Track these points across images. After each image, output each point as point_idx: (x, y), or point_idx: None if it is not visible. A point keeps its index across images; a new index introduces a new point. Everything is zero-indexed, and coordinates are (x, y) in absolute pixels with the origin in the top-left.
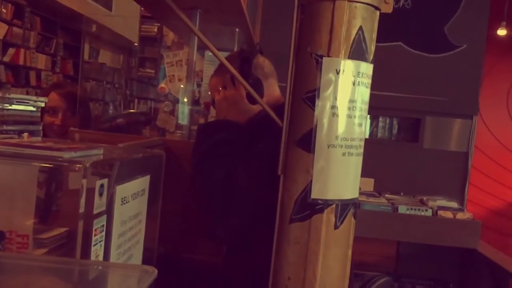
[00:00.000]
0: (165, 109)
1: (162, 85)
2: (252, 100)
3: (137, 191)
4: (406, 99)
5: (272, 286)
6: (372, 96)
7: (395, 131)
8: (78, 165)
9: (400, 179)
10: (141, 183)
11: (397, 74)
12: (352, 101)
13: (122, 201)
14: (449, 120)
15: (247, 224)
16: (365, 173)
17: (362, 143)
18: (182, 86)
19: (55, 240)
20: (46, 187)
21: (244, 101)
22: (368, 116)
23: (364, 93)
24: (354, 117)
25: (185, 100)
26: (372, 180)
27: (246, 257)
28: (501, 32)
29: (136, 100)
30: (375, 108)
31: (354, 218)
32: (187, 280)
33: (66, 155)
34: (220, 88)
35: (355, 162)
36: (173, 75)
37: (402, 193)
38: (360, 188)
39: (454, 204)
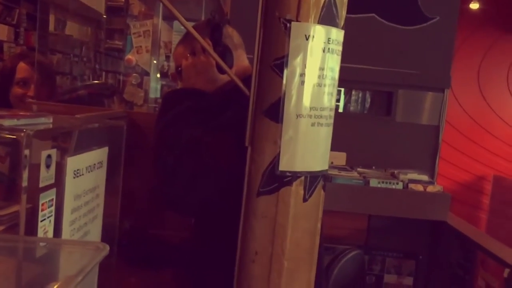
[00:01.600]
0: (133, 81)
1: (129, 56)
2: (222, 69)
3: (93, 164)
4: (379, 72)
5: (239, 260)
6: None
7: (367, 104)
8: (20, 134)
9: (373, 153)
10: (97, 155)
11: (370, 47)
12: (322, 69)
13: (75, 174)
14: (421, 93)
15: (214, 196)
16: (337, 147)
17: (332, 114)
18: (154, 61)
19: (14, 217)
20: (10, 161)
21: (214, 70)
22: (343, 89)
23: (334, 61)
24: (324, 86)
25: (157, 74)
26: (344, 154)
27: (214, 231)
28: (474, 5)
29: (104, 73)
30: (348, 81)
31: (324, 191)
32: (155, 255)
33: (7, 122)
34: (189, 55)
35: (325, 133)
36: (141, 46)
37: (374, 167)
38: (332, 162)
39: (425, 177)
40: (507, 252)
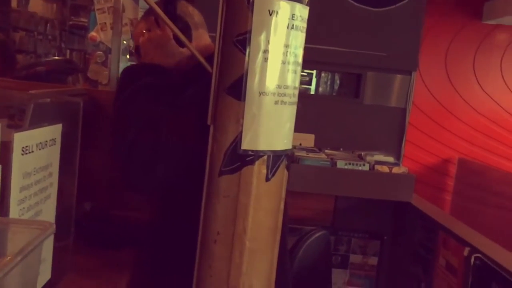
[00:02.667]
0: (97, 59)
1: (93, 33)
2: (180, 42)
3: (45, 141)
4: (348, 54)
5: (201, 241)
6: (314, 50)
7: (336, 86)
8: None
9: (341, 135)
10: (49, 132)
11: (339, 28)
12: (286, 46)
13: (23, 151)
14: (388, 76)
15: (174, 176)
16: (306, 129)
17: (296, 92)
18: (124, 41)
19: None
20: None
21: (171, 43)
22: (315, 72)
23: (299, 38)
24: (288, 63)
25: (127, 54)
26: (312, 136)
27: (176, 212)
28: None
29: (68, 51)
30: (317, 63)
31: (287, 170)
32: (115, 236)
33: None
34: (144, 31)
35: (289, 112)
36: (105, 23)
37: (342, 149)
38: (300, 144)
39: (391, 159)
40: (467, 231)
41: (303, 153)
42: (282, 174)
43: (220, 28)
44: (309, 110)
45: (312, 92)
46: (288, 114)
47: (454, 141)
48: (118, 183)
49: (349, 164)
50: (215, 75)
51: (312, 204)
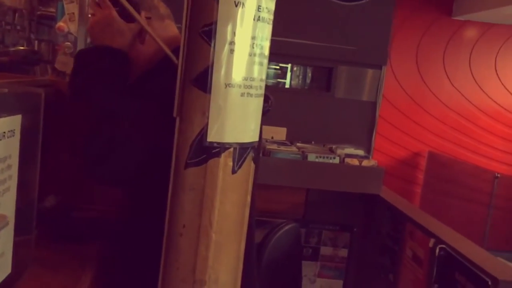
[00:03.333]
0: (65, 50)
1: (61, 23)
2: (127, 18)
3: (2, 132)
4: (320, 48)
5: (167, 234)
6: (286, 43)
7: (308, 80)
8: None
9: (312, 128)
10: (7, 123)
11: (311, 22)
12: (253, 37)
13: None
14: (359, 69)
15: (135, 168)
16: (278, 122)
17: (263, 84)
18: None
19: None
20: None
21: (117, 20)
22: (289, 65)
23: (266, 30)
24: (255, 55)
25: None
26: (284, 129)
27: (141, 205)
28: None
29: (36, 42)
30: (289, 56)
31: (254, 163)
32: (80, 230)
33: None
34: (90, 15)
35: (255, 104)
36: (73, 13)
37: (313, 142)
38: (272, 137)
39: (361, 152)
40: (433, 223)
41: (275, 146)
42: (248, 166)
43: (186, 19)
44: (281, 104)
45: (287, 86)
46: (254, 107)
47: (424, 134)
48: (82, 175)
49: (320, 157)
50: (181, 67)
51: (283, 197)
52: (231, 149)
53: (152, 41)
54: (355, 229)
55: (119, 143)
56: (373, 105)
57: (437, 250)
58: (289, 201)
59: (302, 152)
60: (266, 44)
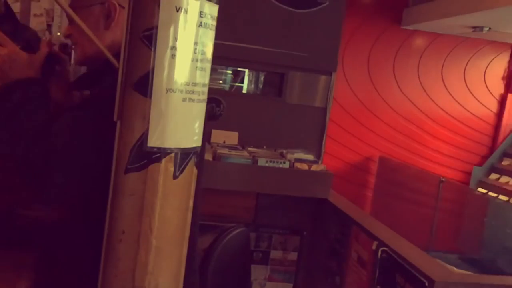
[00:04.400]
0: None
1: None
2: (30, 49)
3: None
4: (271, 53)
5: (106, 241)
6: (238, 48)
7: (261, 85)
8: None
9: (264, 133)
10: None
11: (263, 27)
12: (195, 43)
13: None
14: (310, 75)
15: (81, 182)
16: (230, 126)
17: (206, 90)
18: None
19: None
20: None
21: (22, 54)
22: (247, 71)
23: (208, 36)
24: (197, 61)
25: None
26: (236, 134)
27: (83, 211)
28: None
29: None
30: (241, 61)
31: (197, 168)
32: (17, 236)
33: None
34: None
35: (198, 109)
36: (17, 13)
37: (265, 147)
38: (224, 141)
39: (311, 157)
40: (377, 226)
41: (226, 151)
42: (190, 171)
43: (127, 23)
44: (233, 108)
45: (244, 91)
46: (197, 112)
47: (376, 139)
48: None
49: (270, 162)
50: (122, 71)
51: (234, 202)
52: (172, 154)
53: (116, 28)
54: (304, 233)
55: (55, 167)
56: (324, 110)
57: (380, 253)
58: (239, 206)
59: (253, 156)
60: (209, 50)
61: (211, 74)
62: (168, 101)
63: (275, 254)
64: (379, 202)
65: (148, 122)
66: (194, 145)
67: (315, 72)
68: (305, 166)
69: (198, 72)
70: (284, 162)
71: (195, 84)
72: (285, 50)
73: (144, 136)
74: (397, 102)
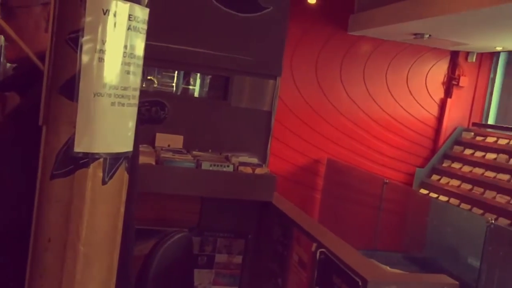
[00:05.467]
0: None
1: None
2: None
3: None
4: (217, 57)
5: (32, 250)
6: (183, 51)
7: (206, 88)
8: None
9: (210, 137)
10: None
11: (208, 31)
12: (125, 46)
13: None
14: (255, 79)
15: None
16: (174, 130)
17: (136, 94)
18: None
19: None
20: None
21: None
22: (198, 74)
23: (138, 39)
24: (126, 64)
25: None
26: (181, 137)
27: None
28: (311, 0)
29: None
30: (187, 65)
31: (128, 173)
32: None
33: None
34: None
35: (129, 113)
36: None
37: (210, 150)
38: (169, 145)
39: (255, 160)
40: (316, 228)
41: (169, 155)
42: (121, 177)
43: (53, 24)
44: (178, 111)
45: (196, 95)
46: (127, 116)
47: (324, 142)
48: None
49: (214, 165)
50: (47, 74)
51: (178, 206)
52: (101, 160)
53: None
54: (249, 236)
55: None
56: (269, 114)
57: (318, 254)
58: (184, 210)
59: (197, 160)
60: (140, 53)
61: (159, 77)
62: (96, 105)
63: (220, 257)
64: (327, 203)
65: (75, 127)
66: (124, 150)
67: (260, 76)
68: (249, 170)
69: (128, 76)
70: (228, 166)
71: (125, 88)
72: (231, 54)
73: (71, 141)
74: (344, 105)
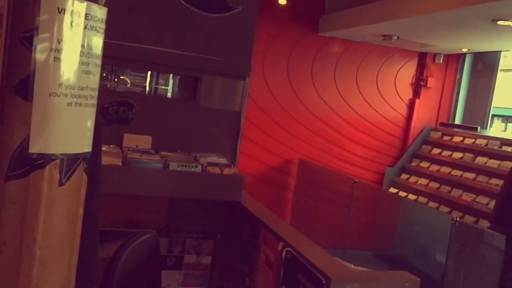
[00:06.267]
0: None
1: None
2: None
3: None
4: (185, 57)
5: None
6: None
7: (175, 88)
8: None
9: (179, 137)
10: None
11: (177, 31)
12: (82, 46)
13: None
14: (224, 80)
15: None
16: (143, 130)
17: (94, 93)
18: None
19: None
20: None
21: None
22: (171, 74)
23: (95, 39)
24: (83, 64)
25: None
26: (149, 138)
27: None
28: (282, 1)
29: None
30: (155, 65)
31: (88, 174)
32: None
33: None
34: None
35: (87, 114)
36: None
37: (179, 151)
38: (137, 146)
39: (224, 160)
40: (283, 228)
41: (137, 155)
42: (79, 178)
43: (7, 23)
44: (146, 112)
45: (169, 96)
46: (85, 116)
47: (296, 142)
48: None
49: (182, 166)
50: (1, 74)
51: (146, 207)
52: (58, 161)
53: None
54: (218, 236)
55: None
56: (238, 114)
57: (284, 253)
58: (151, 211)
59: (165, 161)
60: (98, 53)
61: (131, 77)
62: (52, 105)
63: (189, 258)
64: (299, 203)
65: (30, 127)
66: (82, 151)
67: (229, 76)
68: (217, 170)
69: (85, 76)
70: (196, 166)
71: (82, 88)
72: (199, 54)
73: (26, 142)
74: (315, 106)
